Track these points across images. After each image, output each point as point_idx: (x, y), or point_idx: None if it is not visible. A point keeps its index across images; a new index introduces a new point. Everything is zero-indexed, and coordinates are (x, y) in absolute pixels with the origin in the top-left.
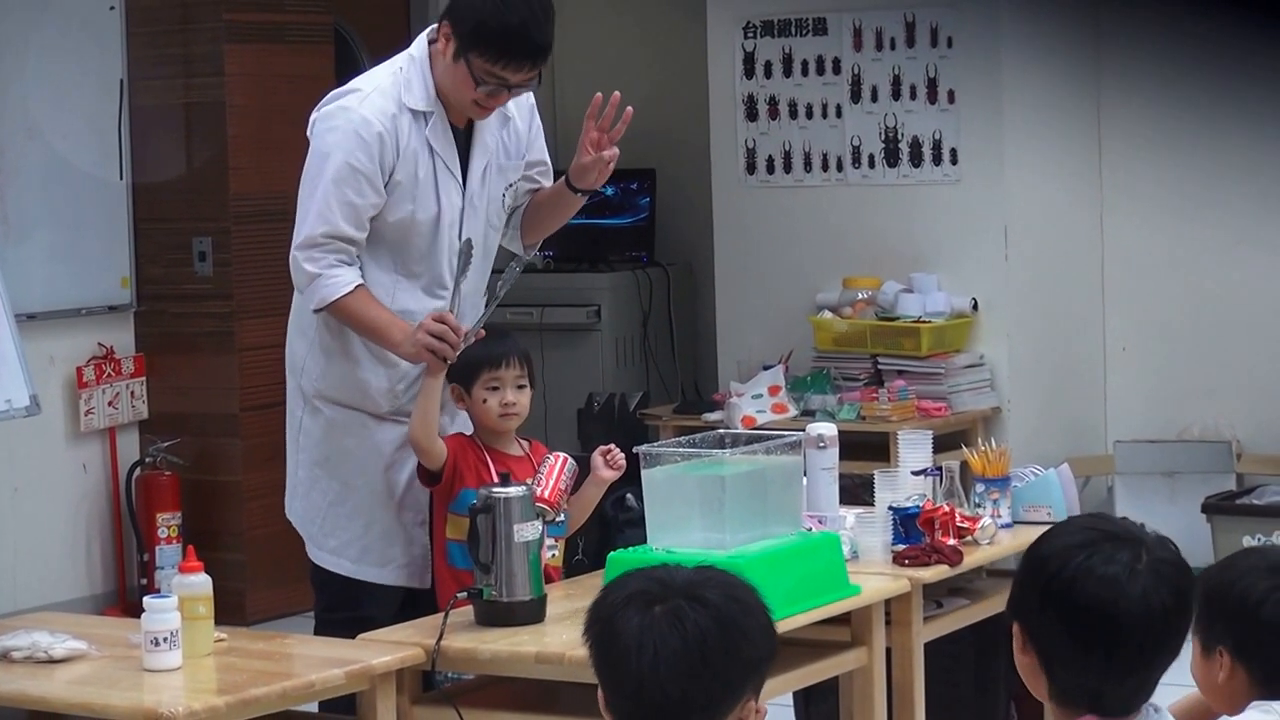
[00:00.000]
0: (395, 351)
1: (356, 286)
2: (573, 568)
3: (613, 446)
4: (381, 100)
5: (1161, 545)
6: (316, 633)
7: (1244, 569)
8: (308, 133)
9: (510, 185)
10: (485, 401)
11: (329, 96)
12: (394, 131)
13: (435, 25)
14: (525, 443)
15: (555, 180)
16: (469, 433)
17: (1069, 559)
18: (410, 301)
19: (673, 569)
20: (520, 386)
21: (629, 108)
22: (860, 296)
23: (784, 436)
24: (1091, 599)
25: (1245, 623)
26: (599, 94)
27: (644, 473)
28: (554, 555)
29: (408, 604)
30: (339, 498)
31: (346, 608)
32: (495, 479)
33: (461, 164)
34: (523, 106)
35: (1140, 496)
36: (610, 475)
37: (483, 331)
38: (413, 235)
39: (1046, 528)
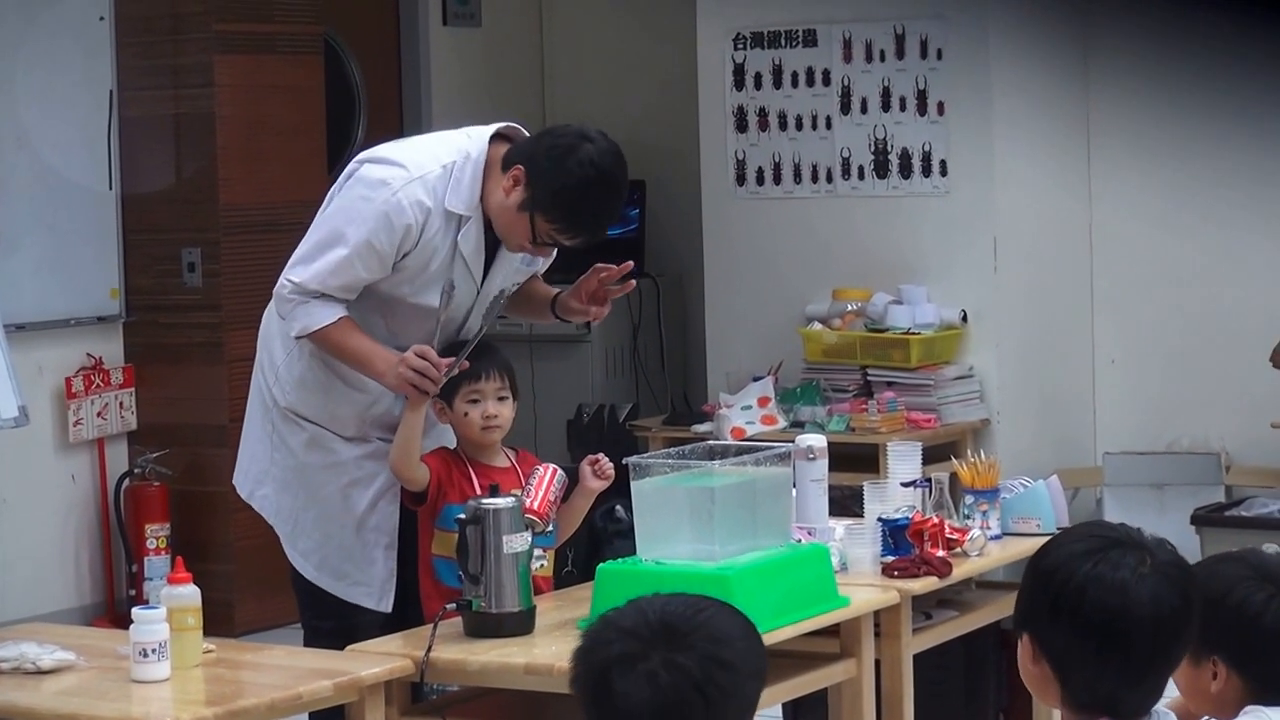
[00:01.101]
0: (379, 381)
1: (341, 318)
2: (562, 579)
3: (601, 456)
4: (423, 193)
5: (1162, 548)
6: (305, 641)
7: (1233, 578)
8: (343, 174)
9: (517, 283)
10: (467, 414)
11: (378, 155)
12: (422, 224)
13: (502, 131)
14: (512, 453)
15: (547, 273)
16: (451, 446)
17: (1076, 568)
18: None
19: (651, 610)
20: (502, 398)
21: (633, 281)
22: (849, 308)
23: (773, 448)
24: (1103, 605)
25: (1244, 633)
26: (614, 268)
27: (633, 484)
28: (542, 566)
29: (395, 618)
30: (305, 505)
31: (333, 616)
32: (479, 493)
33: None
34: None
35: (1129, 508)
36: (598, 485)
37: (466, 363)
38: (398, 308)
39: (1037, 539)
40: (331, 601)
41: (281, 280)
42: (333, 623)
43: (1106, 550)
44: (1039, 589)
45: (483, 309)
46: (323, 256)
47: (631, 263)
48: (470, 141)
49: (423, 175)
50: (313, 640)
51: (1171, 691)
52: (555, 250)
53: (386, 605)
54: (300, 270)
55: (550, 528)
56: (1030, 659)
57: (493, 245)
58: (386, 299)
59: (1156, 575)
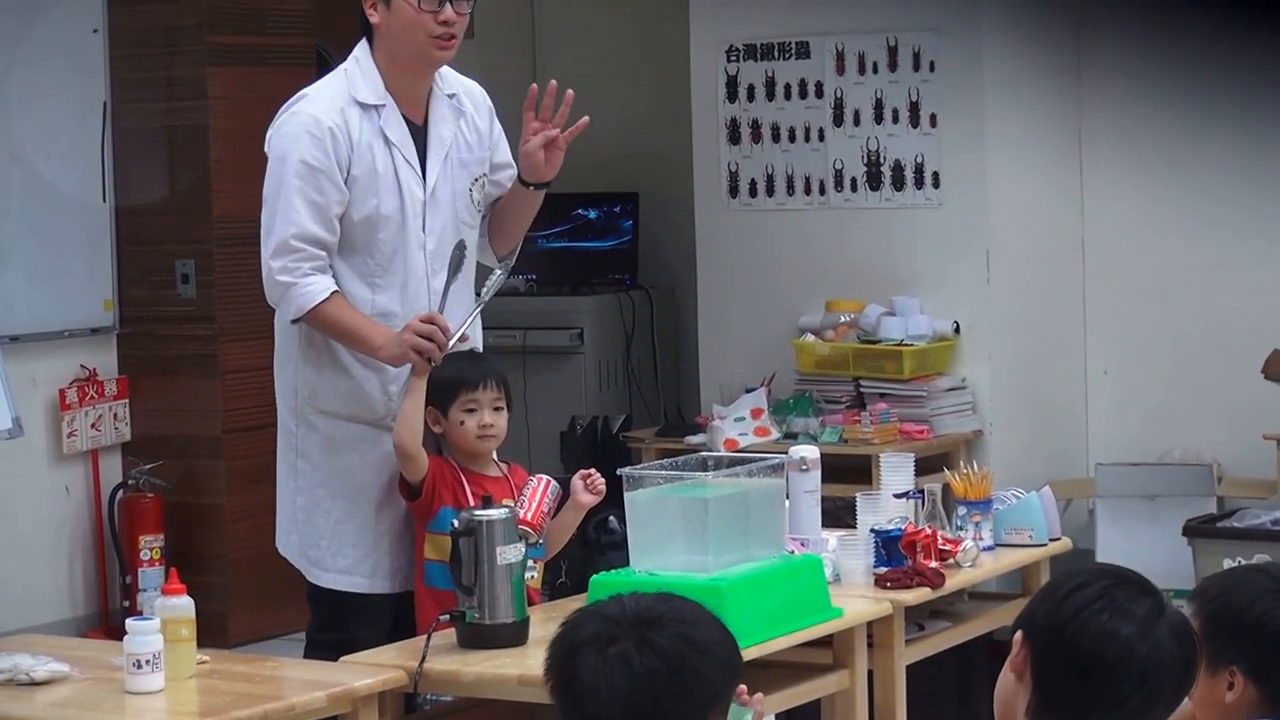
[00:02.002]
0: (376, 355)
1: (332, 293)
2: (556, 590)
3: (593, 471)
4: (329, 99)
5: (1177, 612)
6: (306, 653)
7: (1255, 590)
8: (265, 149)
9: (476, 180)
10: (462, 424)
11: (280, 110)
12: (344, 126)
13: (361, 23)
14: (504, 465)
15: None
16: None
17: (1091, 586)
18: (390, 303)
19: (629, 602)
20: (497, 409)
21: (569, 90)
22: (842, 320)
23: (766, 459)
24: (1095, 638)
25: (1265, 646)
26: (534, 85)
27: (626, 495)
28: (533, 577)
29: (397, 625)
30: (345, 515)
31: (338, 628)
32: (471, 501)
33: (420, 160)
34: (480, 107)
35: (1121, 519)
36: (590, 500)
37: (467, 335)
38: (379, 231)
39: (1029, 551)
40: (338, 613)
41: (264, 267)
42: (334, 634)
43: (1123, 586)
44: (1050, 597)
45: (439, 212)
46: (278, 208)
47: (554, 81)
48: (355, 52)
49: (323, 89)
50: (313, 652)
51: None
52: (459, 36)
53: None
54: (271, 241)
55: (542, 539)
56: (1017, 660)
57: (421, 143)
58: (363, 232)
59: (1164, 629)
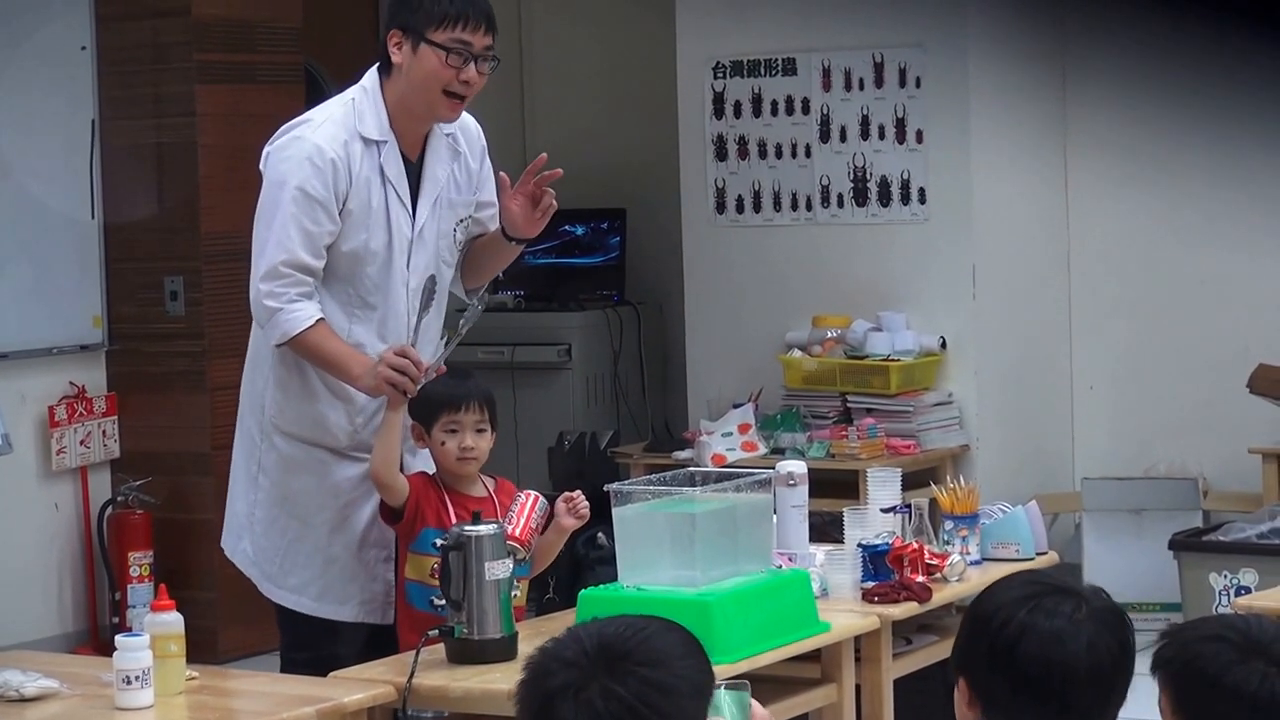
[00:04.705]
0: (354, 385)
1: (317, 320)
2: (544, 606)
3: (577, 494)
4: (334, 128)
5: (1097, 595)
6: (282, 671)
7: (1223, 660)
8: (260, 166)
9: (461, 221)
10: (443, 444)
11: (281, 130)
12: (347, 159)
13: (380, 53)
14: (491, 481)
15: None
16: (431, 471)
17: (1012, 614)
18: (364, 336)
19: (588, 638)
20: (480, 430)
21: (559, 170)
22: (829, 335)
23: (754, 474)
24: (1037, 654)
25: (1247, 716)
26: (543, 156)
27: (615, 510)
28: (517, 595)
29: (372, 642)
30: (299, 536)
31: (310, 647)
32: (454, 521)
33: (411, 197)
34: (474, 146)
35: (1107, 533)
36: (573, 524)
37: (443, 367)
38: (366, 265)
39: (1016, 564)
40: (310, 632)
41: (252, 288)
42: (309, 653)
43: (1042, 597)
44: (976, 634)
45: (424, 251)
46: (271, 233)
47: (545, 155)
48: (364, 81)
49: (328, 117)
50: (289, 671)
51: None
52: (478, 84)
53: (389, 617)
54: (261, 263)
55: (529, 555)
56: (966, 703)
57: (414, 179)
58: (348, 264)
59: (1092, 622)
